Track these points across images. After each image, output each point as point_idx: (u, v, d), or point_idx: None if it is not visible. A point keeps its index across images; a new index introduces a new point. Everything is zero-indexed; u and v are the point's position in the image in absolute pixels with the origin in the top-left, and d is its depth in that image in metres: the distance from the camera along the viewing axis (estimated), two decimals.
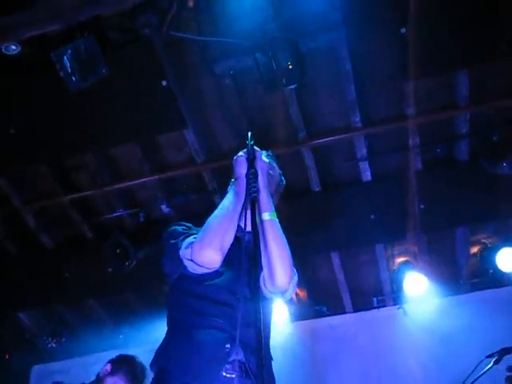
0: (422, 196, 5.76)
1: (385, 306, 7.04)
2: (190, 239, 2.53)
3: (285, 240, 2.50)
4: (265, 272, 2.48)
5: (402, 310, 6.85)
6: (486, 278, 6.62)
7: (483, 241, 6.59)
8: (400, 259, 6.76)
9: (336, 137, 5.80)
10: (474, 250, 6.63)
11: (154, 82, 5.07)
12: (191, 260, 2.45)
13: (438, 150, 5.89)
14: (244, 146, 2.55)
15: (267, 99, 5.47)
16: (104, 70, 4.61)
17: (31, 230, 6.72)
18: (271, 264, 2.44)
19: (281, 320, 6.69)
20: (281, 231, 2.50)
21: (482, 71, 5.27)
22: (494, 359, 4.71)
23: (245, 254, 2.47)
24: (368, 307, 7.10)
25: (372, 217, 5.93)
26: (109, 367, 4.16)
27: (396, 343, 6.65)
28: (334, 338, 6.91)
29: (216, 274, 2.50)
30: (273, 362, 2.57)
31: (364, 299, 7.10)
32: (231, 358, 2.35)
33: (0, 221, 6.71)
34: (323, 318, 7.15)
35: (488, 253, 6.43)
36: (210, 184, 6.15)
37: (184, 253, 2.49)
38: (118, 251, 6.15)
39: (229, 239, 2.47)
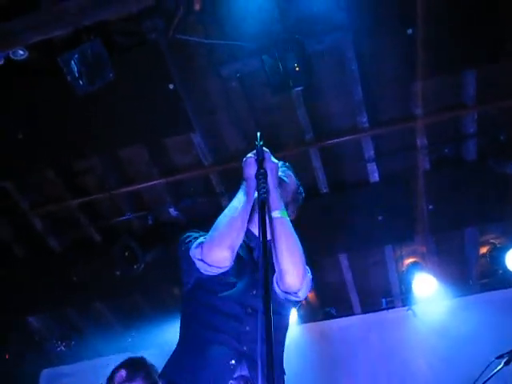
0: (430, 196, 5.74)
1: (394, 308, 7.01)
2: (201, 239, 2.52)
3: (296, 237, 2.47)
4: (276, 271, 2.45)
5: (411, 311, 6.82)
6: (495, 278, 6.59)
7: (492, 241, 6.56)
8: (409, 260, 6.74)
9: (343, 138, 5.79)
10: (483, 250, 6.61)
11: (160, 86, 5.08)
12: (201, 260, 2.44)
13: (446, 150, 5.88)
14: (252, 147, 2.54)
15: (274, 101, 5.47)
16: (111, 74, 4.62)
17: (39, 234, 6.73)
18: (282, 263, 2.42)
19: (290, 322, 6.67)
20: (292, 229, 2.48)
21: (490, 71, 5.26)
22: (504, 360, 4.67)
23: (256, 265, 2.45)
24: (377, 309, 7.08)
25: (380, 218, 5.91)
26: (124, 373, 3.91)
27: (405, 344, 6.62)
28: (343, 339, 6.90)
29: (229, 285, 2.49)
30: (285, 377, 2.56)
31: (373, 301, 7.08)
32: (236, 374, 2.35)
33: (8, 224, 6.73)
34: (332, 320, 7.14)
35: (497, 253, 6.40)
36: (217, 187, 6.15)
37: (194, 252, 2.48)
38: (126, 254, 6.16)
39: (238, 238, 2.46)
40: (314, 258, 6.27)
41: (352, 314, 7.16)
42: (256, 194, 2.34)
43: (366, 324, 6.99)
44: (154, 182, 6.16)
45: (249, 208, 2.49)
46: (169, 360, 2.52)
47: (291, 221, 2.52)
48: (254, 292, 2.46)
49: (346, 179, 6.23)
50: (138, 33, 4.79)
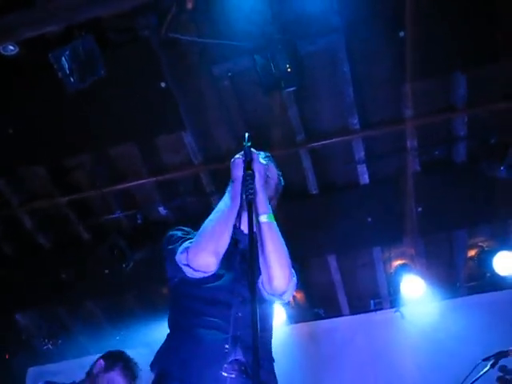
0: (420, 198, 5.76)
1: (382, 309, 7.03)
2: (186, 244, 2.53)
3: (283, 241, 2.49)
4: (263, 274, 2.47)
5: (399, 312, 6.84)
6: (483, 281, 6.62)
7: (480, 244, 6.60)
8: (397, 262, 6.76)
9: (334, 139, 5.81)
10: (472, 253, 6.63)
11: (152, 84, 5.07)
12: (187, 265, 2.46)
13: (436, 153, 5.91)
14: (242, 147, 2.54)
15: (265, 101, 5.46)
16: (102, 71, 4.61)
17: (28, 231, 6.70)
18: (269, 266, 2.44)
19: (278, 322, 6.69)
20: (278, 233, 2.50)
21: (480, 73, 5.28)
22: (490, 362, 4.70)
23: (243, 257, 2.47)
24: (365, 310, 7.10)
25: (369, 220, 5.93)
26: (102, 363, 3.97)
27: (393, 346, 6.64)
28: (331, 340, 6.90)
29: (215, 276, 2.50)
30: (274, 364, 2.57)
31: (361, 302, 7.09)
32: (230, 358, 2.35)
33: None
34: (320, 321, 7.15)
35: (485, 256, 6.43)
36: (207, 186, 6.15)
37: (180, 258, 2.50)
38: (115, 253, 6.14)
39: (224, 242, 2.47)
40: (302, 258, 6.29)
41: (340, 315, 7.17)
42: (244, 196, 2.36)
43: (354, 325, 7.00)
44: (144, 180, 6.15)
45: (235, 212, 2.50)
46: (159, 350, 2.52)
47: (274, 215, 2.54)
48: (243, 282, 2.47)
49: (336, 181, 6.24)
50: (130, 30, 4.78)
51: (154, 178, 6.13)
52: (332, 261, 6.64)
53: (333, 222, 5.98)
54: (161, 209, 6.35)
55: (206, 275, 2.47)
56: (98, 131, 5.39)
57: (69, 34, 4.49)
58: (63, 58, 4.48)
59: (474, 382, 4.67)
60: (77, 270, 6.53)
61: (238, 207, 2.48)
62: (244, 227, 2.46)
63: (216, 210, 2.57)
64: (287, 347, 6.57)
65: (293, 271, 2.56)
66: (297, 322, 7.07)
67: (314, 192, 6.17)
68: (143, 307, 7.13)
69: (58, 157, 5.93)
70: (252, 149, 2.52)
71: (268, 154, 2.78)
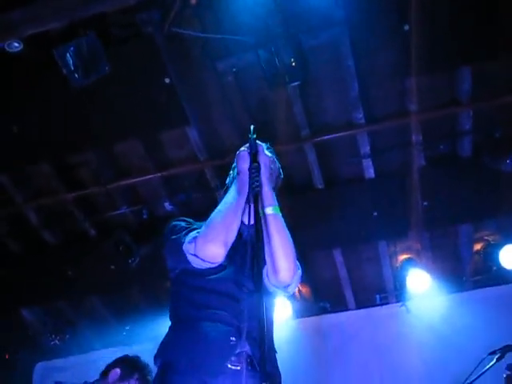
0: (425, 193, 5.75)
1: (387, 304, 7.03)
2: (194, 234, 2.52)
3: (288, 234, 2.49)
4: (268, 266, 2.47)
5: (405, 307, 6.83)
6: (489, 275, 6.61)
7: (486, 238, 6.58)
8: (403, 256, 6.75)
9: (339, 134, 5.80)
10: (478, 247, 6.62)
11: (156, 79, 5.06)
12: (194, 255, 2.45)
13: (441, 147, 5.89)
14: (247, 140, 2.54)
15: (270, 96, 5.46)
16: (106, 68, 4.61)
17: (34, 228, 6.72)
18: (274, 258, 2.44)
19: (284, 317, 6.69)
20: (284, 225, 2.50)
21: (485, 68, 5.26)
22: (496, 356, 4.70)
23: (248, 248, 2.47)
24: (371, 304, 7.10)
25: (375, 214, 5.93)
26: (118, 372, 3.85)
27: (398, 340, 6.64)
28: (337, 334, 6.91)
29: (220, 267, 2.50)
30: (277, 355, 2.57)
31: (367, 296, 7.09)
32: (237, 351, 2.35)
33: (2, 218, 6.71)
34: (326, 315, 7.15)
35: (491, 250, 6.41)
36: (212, 181, 6.15)
37: (187, 247, 2.48)
38: (120, 248, 6.15)
39: (232, 234, 2.47)
40: (308, 252, 6.30)
41: (346, 309, 7.18)
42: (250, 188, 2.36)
43: (360, 319, 7.00)
44: (149, 176, 6.16)
45: (242, 203, 2.49)
46: (162, 341, 2.50)
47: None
48: (247, 274, 2.46)
49: (341, 175, 6.24)
50: (134, 26, 4.77)
51: (159, 174, 6.13)
52: (337, 255, 6.64)
53: (338, 217, 5.98)
54: (166, 204, 6.36)
55: (212, 266, 2.46)
56: (102, 127, 5.40)
57: (72, 31, 4.49)
58: (68, 55, 4.48)
59: (480, 375, 4.67)
60: (82, 266, 6.54)
61: (245, 198, 2.45)
62: (246, 219, 2.45)
63: (223, 201, 2.57)
64: (293, 341, 6.58)
65: (298, 264, 2.55)
66: (303, 316, 7.08)
67: (320, 186, 6.17)
68: (149, 302, 7.14)
69: (62, 153, 5.95)
70: (257, 141, 2.52)
71: (269, 146, 2.78)
